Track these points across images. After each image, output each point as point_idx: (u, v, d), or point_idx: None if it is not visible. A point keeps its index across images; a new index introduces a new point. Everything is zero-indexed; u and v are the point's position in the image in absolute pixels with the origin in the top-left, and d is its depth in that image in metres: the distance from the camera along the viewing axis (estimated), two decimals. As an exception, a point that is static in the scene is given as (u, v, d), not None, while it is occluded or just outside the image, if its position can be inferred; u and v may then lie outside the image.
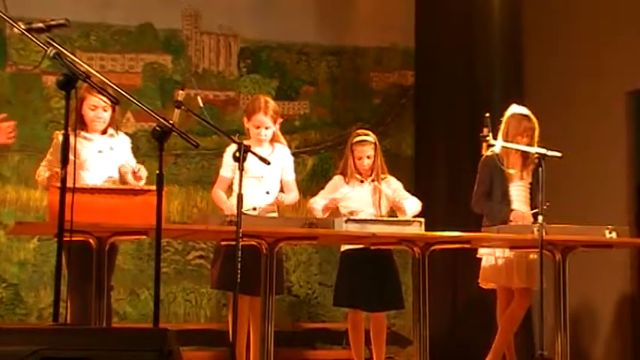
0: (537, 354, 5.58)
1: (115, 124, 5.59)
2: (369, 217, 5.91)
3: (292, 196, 6.03)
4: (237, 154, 4.78)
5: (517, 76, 8.13)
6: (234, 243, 4.73)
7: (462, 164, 7.58)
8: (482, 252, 6.19)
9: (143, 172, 5.38)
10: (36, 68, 7.49)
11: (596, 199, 7.13)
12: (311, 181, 8.09)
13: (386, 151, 7.09)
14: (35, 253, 7.65)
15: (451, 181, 8.02)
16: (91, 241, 4.97)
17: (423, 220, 5.57)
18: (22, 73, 7.79)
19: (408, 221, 5.66)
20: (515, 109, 6.20)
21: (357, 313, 6.32)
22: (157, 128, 3.93)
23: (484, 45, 8.20)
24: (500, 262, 6.10)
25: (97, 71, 4.08)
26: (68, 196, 3.67)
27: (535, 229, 5.46)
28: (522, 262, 6.01)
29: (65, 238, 3.64)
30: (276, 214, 5.96)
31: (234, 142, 4.88)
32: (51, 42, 3.69)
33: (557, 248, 5.77)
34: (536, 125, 6.11)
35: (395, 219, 5.93)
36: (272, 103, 6.00)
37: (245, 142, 4.96)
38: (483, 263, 6.20)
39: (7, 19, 3.74)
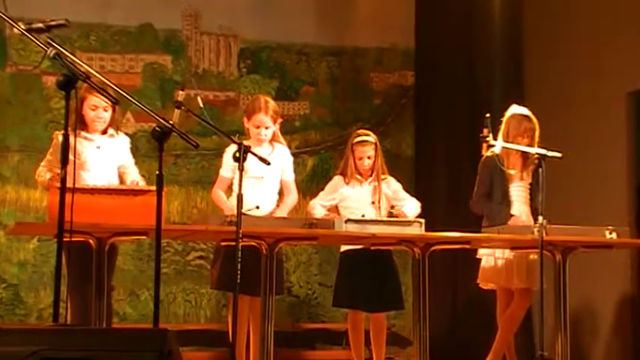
0: (537, 354, 5.58)
1: (115, 124, 5.60)
2: (368, 218, 5.92)
3: (291, 200, 6.02)
4: (237, 155, 4.78)
5: (517, 77, 8.13)
6: (234, 243, 4.73)
7: (462, 164, 7.58)
8: (482, 252, 6.19)
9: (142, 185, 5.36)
10: (36, 68, 7.49)
11: (596, 200, 7.12)
12: (311, 182, 8.10)
13: (386, 151, 7.09)
14: (35, 253, 7.65)
15: (451, 182, 8.02)
16: (90, 241, 4.96)
17: (423, 220, 5.57)
18: (22, 74, 7.79)
19: (408, 222, 5.67)
20: (515, 109, 6.19)
21: (357, 313, 6.31)
22: (157, 129, 3.93)
23: (484, 45, 8.20)
24: (499, 262, 6.10)
25: (96, 71, 4.08)
26: (68, 197, 3.67)
27: (535, 230, 5.46)
28: (522, 262, 6.00)
29: (65, 239, 3.64)
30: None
31: (234, 142, 4.88)
32: (51, 42, 3.69)
33: (558, 249, 5.77)
34: (537, 126, 6.11)
35: (395, 219, 5.92)
36: (272, 103, 6.00)
37: (245, 143, 4.96)
38: (483, 264, 6.19)
39: (7, 19, 3.73)
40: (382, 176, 6.31)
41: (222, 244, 5.62)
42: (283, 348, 6.84)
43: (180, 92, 5.10)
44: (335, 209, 6.29)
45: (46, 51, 3.66)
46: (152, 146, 6.86)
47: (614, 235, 5.72)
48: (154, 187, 4.23)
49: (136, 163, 5.74)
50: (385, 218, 6.02)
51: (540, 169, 5.43)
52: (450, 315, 8.04)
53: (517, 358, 6.24)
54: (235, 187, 5.50)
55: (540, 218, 5.42)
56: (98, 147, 5.49)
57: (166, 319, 7.66)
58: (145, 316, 7.69)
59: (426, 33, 8.59)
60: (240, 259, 4.69)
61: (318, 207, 6.22)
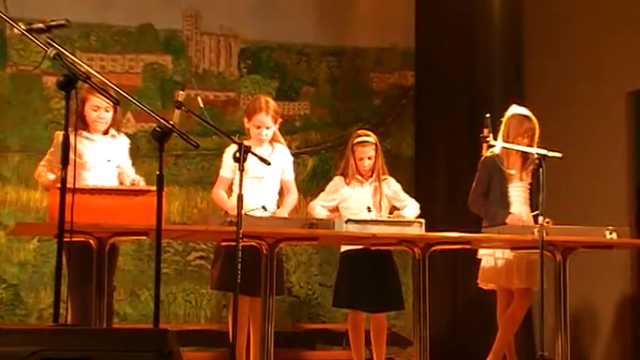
0: (538, 354, 5.58)
1: (116, 124, 5.60)
2: (369, 218, 5.92)
3: (292, 200, 6.03)
4: (238, 155, 4.77)
5: (517, 77, 8.13)
6: (234, 244, 4.73)
7: (462, 165, 7.58)
8: (482, 253, 6.19)
9: (142, 184, 5.35)
10: (36, 69, 7.49)
11: (596, 200, 7.12)
12: (311, 182, 8.10)
13: (386, 151, 7.09)
14: (35, 253, 7.65)
15: (451, 182, 8.02)
16: (91, 241, 4.96)
17: (423, 220, 5.57)
18: (23, 74, 7.79)
19: (409, 222, 5.67)
20: (515, 109, 6.19)
21: (357, 313, 6.31)
22: (157, 129, 3.93)
23: (484, 45, 8.20)
24: (499, 262, 6.10)
25: (97, 72, 4.08)
26: (68, 197, 3.67)
27: (535, 230, 5.46)
28: (522, 262, 6.00)
29: (65, 239, 3.64)
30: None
31: (235, 142, 4.88)
32: (51, 42, 3.69)
33: (558, 249, 5.77)
34: (537, 126, 6.11)
35: (395, 220, 5.92)
36: (272, 103, 6.00)
37: (245, 143, 4.96)
38: (483, 264, 6.19)
39: (8, 19, 3.74)
40: (382, 177, 6.31)
41: (223, 244, 5.62)
42: (283, 348, 6.84)
43: (181, 92, 5.11)
44: (336, 210, 6.28)
45: (47, 51, 3.67)
46: (152, 146, 6.87)
47: (614, 236, 5.72)
48: (154, 188, 4.23)
49: (136, 164, 5.74)
50: (385, 218, 6.02)
51: (541, 170, 5.43)
52: (450, 315, 8.04)
53: (517, 358, 6.24)
54: (236, 188, 5.50)
55: (541, 218, 5.42)
56: (99, 147, 5.49)
57: (167, 320, 7.66)
58: (145, 317, 7.69)
59: (426, 33, 8.60)
60: (240, 260, 4.69)
61: (318, 208, 6.22)
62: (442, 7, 8.45)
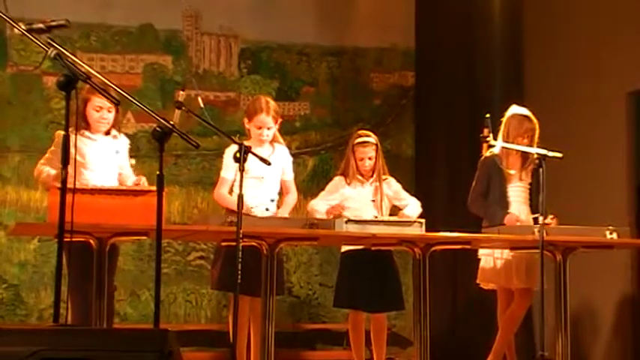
0: (538, 354, 5.58)
1: (117, 125, 5.60)
2: (370, 216, 5.92)
3: (292, 200, 6.03)
4: (238, 155, 4.77)
5: (517, 77, 8.13)
6: (234, 244, 4.73)
7: (462, 165, 7.58)
8: (481, 253, 6.19)
9: (144, 185, 5.34)
10: (36, 69, 7.50)
11: (596, 200, 7.12)
12: (311, 182, 8.10)
13: (386, 151, 7.09)
14: (35, 253, 7.66)
15: (451, 182, 8.02)
16: (91, 241, 4.96)
17: (423, 220, 5.57)
18: (23, 74, 7.80)
19: (409, 222, 5.67)
20: (515, 109, 6.19)
21: (358, 313, 6.32)
22: (158, 129, 3.93)
23: (484, 45, 8.20)
24: (498, 263, 6.10)
25: (97, 72, 4.08)
26: (68, 197, 3.67)
27: (536, 230, 5.46)
28: (521, 262, 6.00)
29: (65, 239, 3.64)
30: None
31: (235, 142, 4.88)
32: (51, 43, 3.69)
33: (558, 249, 5.77)
34: (537, 126, 6.11)
35: (395, 220, 5.92)
36: (273, 103, 6.00)
37: (245, 143, 4.96)
38: (482, 264, 6.19)
39: (8, 19, 3.74)
40: (383, 177, 6.32)
41: (223, 244, 5.62)
42: (284, 348, 6.84)
43: (181, 92, 5.11)
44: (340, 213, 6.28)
45: (47, 51, 3.67)
46: (153, 146, 6.87)
47: (614, 235, 5.72)
48: (154, 188, 4.23)
49: (136, 164, 5.74)
50: (386, 219, 6.02)
51: (541, 170, 5.43)
52: (451, 315, 8.05)
53: (517, 358, 6.24)
54: (236, 188, 5.50)
55: (541, 218, 5.42)
56: (101, 147, 5.49)
57: (167, 320, 7.66)
58: (145, 317, 7.69)
59: (426, 33, 8.60)
60: (240, 260, 4.69)
61: (320, 203, 6.22)
62: (442, 7, 8.45)
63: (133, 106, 4.08)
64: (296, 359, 7.82)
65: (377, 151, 6.30)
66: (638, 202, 6.96)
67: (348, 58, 8.63)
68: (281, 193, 6.05)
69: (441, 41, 8.43)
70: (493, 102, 7.55)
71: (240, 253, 4.68)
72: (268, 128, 5.92)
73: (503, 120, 6.15)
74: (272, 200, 5.90)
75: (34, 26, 3.79)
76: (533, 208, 6.00)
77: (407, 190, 6.44)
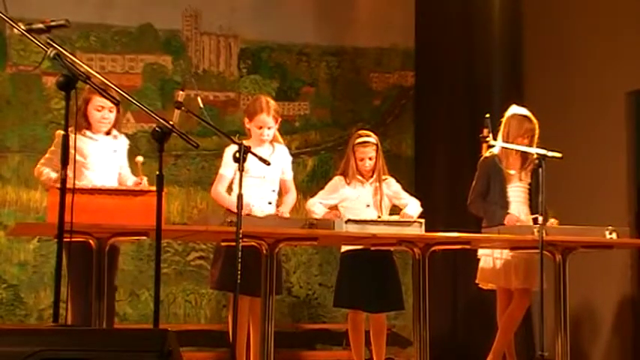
0: (537, 354, 5.58)
1: (118, 125, 5.60)
2: (368, 216, 5.92)
3: (291, 199, 6.03)
4: (237, 155, 4.77)
5: (517, 77, 8.13)
6: (234, 244, 4.73)
7: (462, 165, 7.57)
8: (480, 253, 6.19)
9: (145, 185, 5.34)
10: (36, 69, 7.49)
11: (596, 200, 7.13)
12: (311, 182, 8.10)
13: (386, 151, 7.09)
14: (35, 254, 7.66)
15: (451, 182, 8.02)
16: (91, 242, 4.96)
17: (423, 220, 5.57)
18: (22, 74, 7.80)
19: (408, 222, 5.66)
20: (515, 109, 6.19)
21: (358, 313, 6.31)
22: (157, 129, 3.93)
23: (484, 45, 8.20)
24: (498, 263, 6.10)
25: (97, 72, 4.08)
26: (68, 197, 3.67)
27: (535, 230, 5.46)
28: (521, 262, 6.00)
29: (65, 239, 3.64)
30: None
31: (235, 142, 4.87)
32: (51, 43, 3.69)
33: (558, 249, 5.77)
34: (537, 126, 6.11)
35: (395, 220, 5.92)
36: (273, 103, 5.99)
37: (245, 143, 4.95)
38: (482, 264, 6.19)
39: (8, 19, 3.73)
40: (383, 177, 6.32)
41: (223, 244, 5.62)
42: (284, 348, 6.85)
43: (181, 92, 5.10)
44: (334, 209, 6.28)
45: (46, 51, 3.66)
46: (152, 146, 6.86)
47: (614, 235, 5.72)
48: (154, 188, 4.23)
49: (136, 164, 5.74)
50: (385, 219, 6.02)
51: (540, 170, 5.43)
52: (450, 315, 8.05)
53: (517, 358, 6.24)
54: (236, 187, 5.49)
55: (541, 218, 5.42)
56: (102, 147, 5.48)
57: (166, 320, 7.66)
58: (145, 317, 7.69)
59: (425, 33, 8.60)
60: (240, 260, 4.68)
61: (318, 205, 6.22)
62: (442, 7, 8.45)
63: (133, 106, 4.08)
64: (296, 359, 7.82)
65: (377, 151, 6.30)
66: (637, 202, 6.96)
67: (347, 58, 8.63)
68: (280, 193, 6.05)
69: (441, 41, 8.43)
70: (493, 102, 7.56)
71: (240, 253, 4.68)
72: (269, 128, 5.91)
73: (503, 120, 6.15)
74: (270, 203, 5.89)
75: (34, 26, 3.79)
76: (533, 208, 6.00)
77: (407, 190, 6.44)
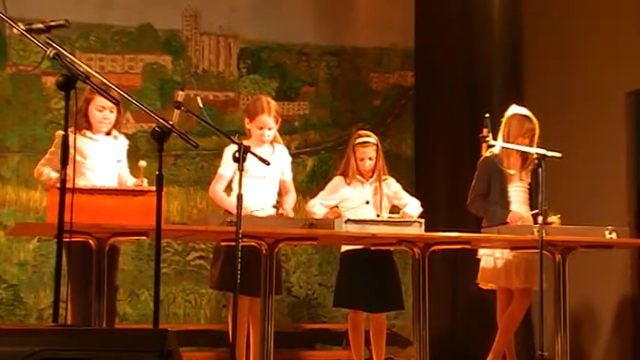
0: (537, 354, 5.58)
1: (118, 125, 5.60)
2: (368, 215, 5.92)
3: (292, 199, 6.02)
4: (237, 155, 4.77)
5: (517, 77, 8.13)
6: (234, 244, 4.73)
7: (462, 165, 7.57)
8: (482, 253, 6.19)
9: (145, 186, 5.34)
10: (36, 69, 7.49)
11: (596, 200, 7.13)
12: (311, 182, 8.10)
13: (386, 151, 7.08)
14: (35, 254, 7.65)
15: (451, 182, 8.01)
16: (90, 241, 4.96)
17: (422, 220, 5.57)
18: (22, 74, 7.79)
19: (408, 222, 5.66)
20: (515, 109, 6.19)
21: (358, 313, 6.31)
22: (157, 129, 3.93)
23: (484, 45, 8.20)
24: (499, 262, 6.10)
25: (96, 72, 4.08)
26: (68, 197, 3.67)
27: (535, 230, 5.46)
28: (522, 262, 6.00)
29: (65, 239, 3.64)
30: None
31: (234, 142, 4.87)
32: (50, 43, 3.69)
33: (557, 249, 5.77)
34: (537, 126, 6.11)
35: (395, 220, 5.92)
36: (273, 103, 5.99)
37: (245, 143, 4.95)
38: (482, 264, 6.19)
39: (7, 19, 3.73)
40: (383, 177, 6.31)
41: (222, 244, 5.62)
42: (283, 348, 6.84)
43: (180, 92, 5.10)
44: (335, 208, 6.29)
45: (46, 51, 3.66)
46: (152, 146, 6.86)
47: (613, 235, 5.72)
48: (153, 188, 4.23)
49: (135, 164, 5.73)
50: (385, 218, 6.02)
51: (540, 169, 5.43)
52: (450, 315, 8.04)
53: (517, 358, 6.24)
54: (236, 187, 5.49)
55: (540, 218, 5.42)
56: (102, 148, 5.48)
57: (166, 320, 7.66)
58: (144, 317, 7.69)
59: (425, 33, 8.60)
60: (240, 260, 4.68)
61: (318, 206, 6.22)
62: (441, 7, 8.45)
63: (132, 106, 4.08)
64: (295, 359, 7.82)
65: (377, 151, 6.30)
66: (637, 201, 6.96)
67: (347, 57, 8.63)
68: (280, 194, 6.05)
69: (441, 41, 8.43)
70: (493, 102, 7.56)
71: (240, 253, 4.68)
72: (269, 128, 5.91)
73: (504, 120, 6.15)
74: (274, 206, 5.88)
75: (34, 26, 3.79)
76: (533, 208, 6.00)
77: (407, 190, 6.44)
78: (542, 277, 5.42)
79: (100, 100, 5.35)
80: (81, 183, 5.06)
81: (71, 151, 3.83)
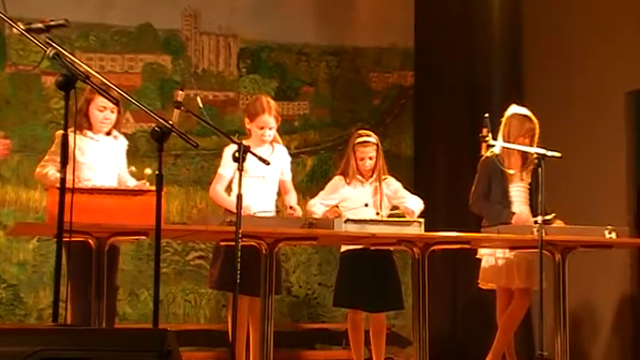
0: (537, 354, 5.58)
1: (118, 125, 5.60)
2: (367, 216, 5.92)
3: (293, 199, 6.02)
4: (237, 155, 4.77)
5: (517, 76, 8.13)
6: (233, 243, 4.73)
7: (462, 164, 7.58)
8: (482, 252, 6.19)
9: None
10: (35, 69, 7.49)
11: (596, 199, 7.13)
12: (311, 182, 8.10)
13: (386, 151, 7.07)
14: (35, 253, 7.65)
15: (451, 182, 8.02)
16: (90, 241, 4.96)
17: (422, 220, 5.57)
18: (22, 74, 7.79)
19: (408, 222, 5.66)
20: (515, 109, 6.19)
21: (357, 313, 6.31)
22: (157, 129, 3.93)
23: (484, 45, 8.20)
24: (500, 262, 6.10)
25: (96, 72, 4.08)
26: (67, 197, 3.67)
27: (535, 230, 5.46)
28: (522, 262, 6.00)
29: (65, 239, 3.63)
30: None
31: (234, 142, 4.87)
32: (50, 42, 3.69)
33: (557, 248, 5.77)
34: (537, 126, 6.11)
35: (395, 219, 5.92)
36: (273, 103, 5.99)
37: (245, 143, 4.95)
38: (483, 264, 6.19)
39: (7, 19, 3.73)
40: (383, 176, 6.31)
41: (222, 244, 5.62)
42: (283, 348, 6.84)
43: (180, 92, 5.10)
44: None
45: (46, 51, 3.66)
46: (152, 146, 6.87)
47: (613, 235, 5.72)
48: (153, 187, 4.23)
49: (135, 164, 5.73)
50: (385, 218, 6.02)
51: (540, 169, 5.42)
52: (450, 315, 8.04)
53: (517, 357, 6.24)
54: (235, 187, 5.49)
55: (540, 218, 5.41)
56: (102, 148, 5.48)
57: (166, 319, 7.66)
58: (144, 316, 7.69)
59: (425, 33, 8.60)
60: (239, 259, 4.68)
61: (318, 205, 6.22)
62: (441, 6, 8.45)
63: (132, 105, 4.08)
64: (295, 359, 7.82)
65: (377, 151, 6.30)
66: (637, 201, 6.96)
67: (347, 57, 8.63)
68: (279, 194, 6.05)
69: (441, 41, 8.43)
70: (493, 102, 7.56)
71: (239, 252, 4.68)
72: (270, 128, 5.91)
73: (504, 120, 6.14)
74: (271, 200, 5.89)
75: (33, 26, 3.79)
76: (533, 208, 6.00)
77: (406, 190, 6.43)
78: (542, 276, 5.42)
79: (101, 101, 5.35)
80: (81, 183, 5.05)
81: (76, 150, 3.83)
